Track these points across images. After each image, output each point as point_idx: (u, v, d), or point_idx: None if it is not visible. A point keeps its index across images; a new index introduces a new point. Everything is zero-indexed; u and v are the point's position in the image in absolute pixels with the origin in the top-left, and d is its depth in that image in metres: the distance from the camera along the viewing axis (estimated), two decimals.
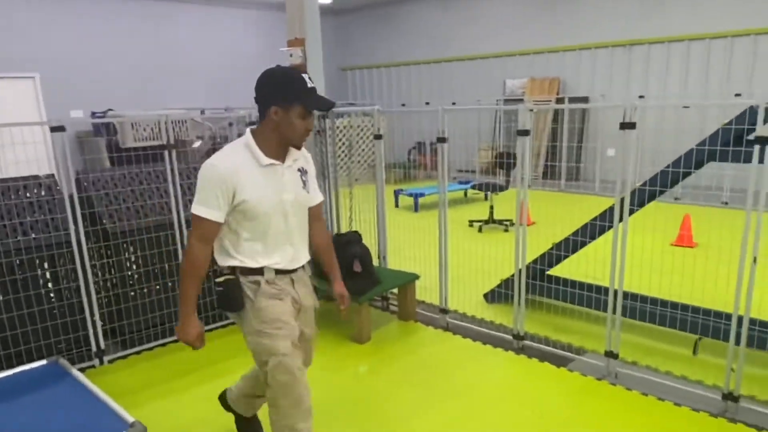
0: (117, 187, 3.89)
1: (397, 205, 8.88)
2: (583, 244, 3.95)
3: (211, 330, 4.24)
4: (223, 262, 2.24)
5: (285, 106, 2.07)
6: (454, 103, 11.49)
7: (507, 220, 7.26)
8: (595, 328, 3.95)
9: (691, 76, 8.95)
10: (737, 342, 2.92)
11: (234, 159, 2.11)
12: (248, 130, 2.17)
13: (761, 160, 2.59)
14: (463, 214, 7.97)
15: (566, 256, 4.13)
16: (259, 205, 2.13)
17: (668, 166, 3.41)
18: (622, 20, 9.57)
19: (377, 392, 3.35)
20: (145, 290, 3.95)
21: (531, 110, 10.30)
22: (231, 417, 2.84)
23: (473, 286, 4.83)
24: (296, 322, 2.30)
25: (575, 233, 3.99)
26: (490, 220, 7.26)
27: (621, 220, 3.25)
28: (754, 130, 2.69)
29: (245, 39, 12.51)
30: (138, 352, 3.92)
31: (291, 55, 4.28)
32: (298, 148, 2.22)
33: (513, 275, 3.85)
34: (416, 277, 4.30)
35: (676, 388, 3.19)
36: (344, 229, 5.04)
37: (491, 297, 4.60)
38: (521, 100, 10.72)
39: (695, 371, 3.38)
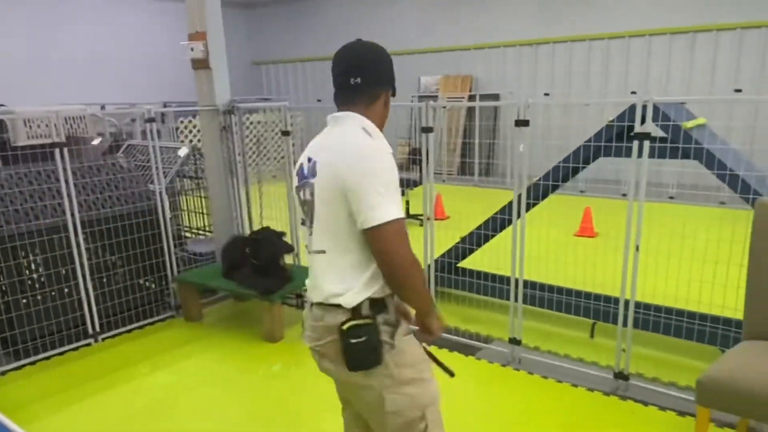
0: (4, 188, 3.63)
1: None
2: (491, 237, 4.09)
3: (107, 338, 4.06)
4: (355, 294, 1.59)
5: (392, 90, 1.79)
6: None
7: (422, 215, 7.37)
8: (501, 317, 4.10)
9: (593, 75, 9.47)
10: (625, 324, 3.12)
11: None
12: (358, 116, 1.67)
13: (640, 155, 2.79)
14: None
15: (474, 249, 4.26)
16: None
17: (561, 162, 3.59)
18: (529, 20, 9.97)
19: (290, 391, 3.33)
20: (39, 297, 3.71)
21: (444, 107, 10.48)
22: (134, 425, 2.72)
23: None
24: None
25: (480, 227, 4.12)
26: (407, 215, 7.36)
27: (519, 214, 3.38)
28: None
29: (149, 32, 11.99)
30: (33, 363, 3.68)
31: (192, 50, 4.13)
32: None
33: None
34: None
35: (573, 370, 3.38)
36: (256, 227, 4.96)
37: None
38: (436, 97, 10.94)
39: (591, 353, 3.59)
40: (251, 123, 10.03)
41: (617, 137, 3.28)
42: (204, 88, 4.36)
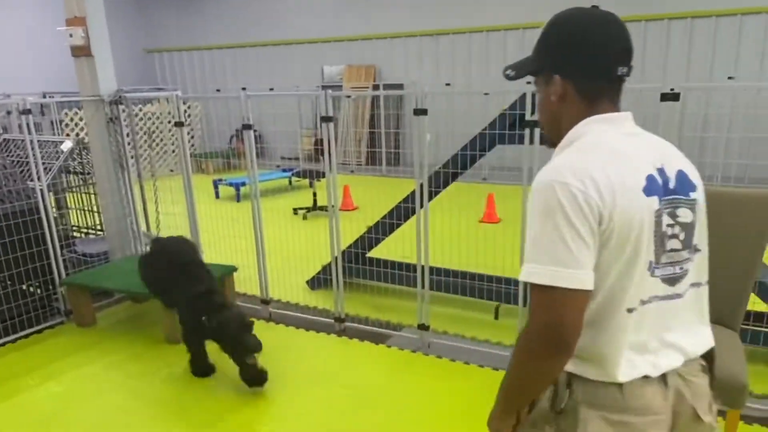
0: None
1: (217, 196, 8.52)
2: (397, 226, 4.12)
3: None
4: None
5: None
6: (271, 89, 11.30)
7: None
8: (410, 304, 4.15)
9: (492, 65, 9.78)
10: (524, 304, 3.26)
11: None
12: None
13: (531, 141, 2.91)
14: (288, 202, 7.90)
15: (382, 239, 4.28)
16: None
17: (459, 150, 3.67)
18: (429, 11, 10.13)
19: (193, 392, 3.19)
20: None
21: (349, 96, 10.44)
22: None
23: (298, 274, 4.80)
24: None
25: (385, 216, 4.14)
26: (314, 207, 7.28)
27: (422, 202, 3.43)
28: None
29: (30, 16, 11.01)
30: None
31: (71, 36, 3.82)
32: None
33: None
34: (233, 269, 4.15)
35: (480, 351, 3.49)
36: (154, 228, 4.70)
37: (314, 283, 4.61)
38: (340, 87, 10.88)
39: (496, 334, 3.72)
40: (144, 114, 9.49)
41: (511, 125, 3.39)
42: (86, 77, 4.05)
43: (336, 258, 3.78)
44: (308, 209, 7.28)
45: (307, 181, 8.89)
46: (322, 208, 7.29)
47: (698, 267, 1.26)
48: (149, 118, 9.76)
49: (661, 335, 1.21)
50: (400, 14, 10.39)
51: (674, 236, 1.19)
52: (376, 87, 10.64)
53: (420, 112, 3.20)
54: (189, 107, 10.86)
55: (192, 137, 11.08)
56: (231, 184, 8.29)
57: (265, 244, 4.09)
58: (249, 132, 3.81)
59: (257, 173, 3.95)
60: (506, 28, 9.51)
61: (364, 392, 3.14)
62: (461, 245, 4.80)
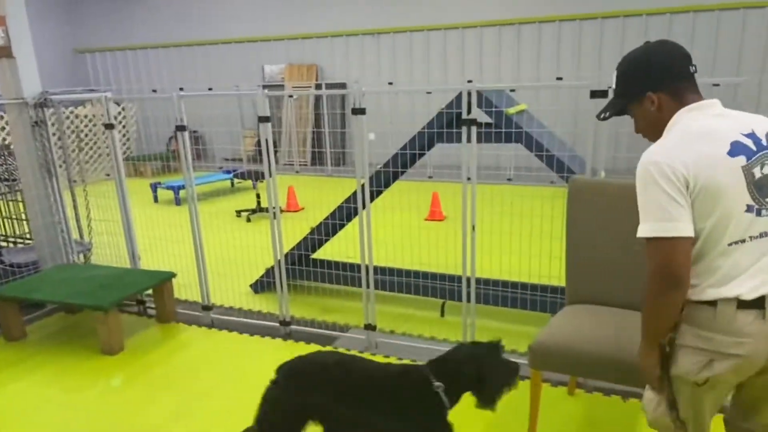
0: None
1: (156, 200, 8.25)
2: (341, 226, 4.10)
3: None
4: None
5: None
6: (210, 89, 11.04)
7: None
8: (357, 304, 4.14)
9: (433, 64, 9.89)
10: (469, 300, 3.30)
11: None
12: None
13: (468, 140, 2.95)
14: (231, 205, 7.74)
15: (327, 240, 4.25)
16: None
17: (399, 150, 3.68)
18: (370, 10, 10.13)
19: (133, 405, 3.07)
20: None
21: (291, 96, 10.32)
22: None
23: (242, 278, 4.70)
24: None
25: (328, 217, 4.11)
26: (258, 209, 7.16)
27: (364, 202, 3.41)
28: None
29: None
30: None
31: None
32: None
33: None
34: (172, 275, 4.02)
35: (427, 349, 3.50)
36: (87, 236, 4.51)
37: (258, 287, 4.54)
38: (282, 86, 10.75)
39: (443, 331, 3.75)
40: (76, 117, 9.09)
41: (449, 124, 3.43)
42: (7, 79, 3.83)
43: (279, 261, 3.73)
44: (252, 211, 7.15)
45: (250, 183, 8.75)
46: (266, 210, 7.17)
47: None
48: (81, 121, 9.35)
49: (761, 266, 1.46)
50: (341, 13, 10.35)
51: (751, 189, 1.47)
52: (318, 86, 10.56)
53: (358, 111, 3.19)
54: (123, 109, 10.48)
55: (128, 140, 10.71)
56: (169, 188, 8.04)
57: (205, 248, 3.99)
58: (184, 133, 3.70)
59: (196, 176, 3.85)
60: (446, 27, 9.63)
61: None
62: (407, 244, 4.82)
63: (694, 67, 1.60)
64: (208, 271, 4.06)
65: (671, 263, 1.43)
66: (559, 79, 8.81)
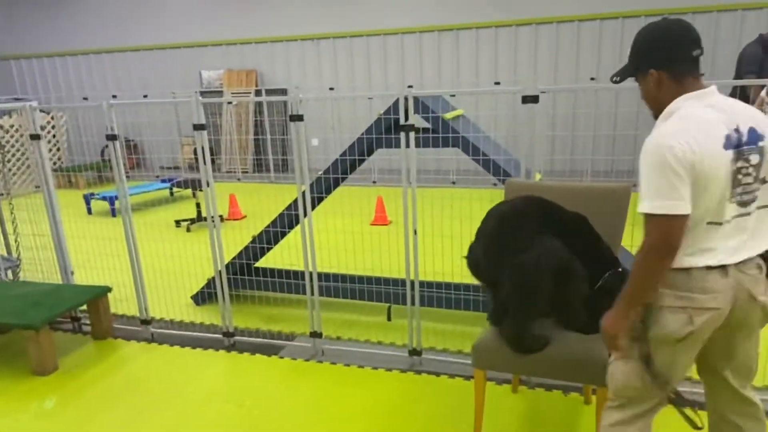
0: None
1: (90, 212, 7.92)
2: (284, 234, 4.05)
3: None
4: None
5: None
6: (145, 96, 10.71)
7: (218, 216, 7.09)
8: (303, 312, 4.10)
9: (373, 68, 9.93)
10: (413, 303, 3.33)
11: None
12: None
13: (408, 145, 2.98)
14: (170, 214, 7.52)
15: (270, 248, 4.19)
16: None
17: (339, 156, 3.68)
18: (310, 15, 10.08)
19: (68, 427, 2.93)
20: None
21: (230, 103, 10.07)
22: None
23: (183, 290, 4.58)
24: None
25: (269, 225, 4.06)
26: (198, 218, 6.99)
27: (306, 209, 3.39)
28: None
29: None
30: None
31: None
32: None
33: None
34: (107, 289, 3.88)
35: (373, 354, 3.52)
36: (14, 251, 4.29)
37: (200, 298, 4.43)
38: (220, 93, 10.55)
39: (389, 335, 3.77)
40: (0, 128, 8.63)
41: (387, 130, 3.45)
42: None
43: (219, 271, 3.65)
44: (192, 221, 6.98)
45: (190, 192, 8.53)
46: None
47: (764, 193, 1.74)
48: (7, 131, 8.89)
49: (729, 242, 1.71)
50: (280, 18, 10.26)
51: (748, 174, 1.69)
52: (258, 92, 10.42)
53: (296, 117, 3.17)
54: (53, 118, 10.03)
55: (58, 149, 10.24)
56: (104, 198, 7.74)
57: (143, 260, 3.87)
58: (115, 143, 3.58)
59: (133, 185, 3.72)
60: (386, 33, 9.70)
61: (258, 404, 3.06)
62: (351, 249, 4.82)
63: (700, 50, 1.73)
64: (145, 284, 3.94)
65: (671, 237, 1.63)
66: (497, 83, 9.04)
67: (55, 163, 10.21)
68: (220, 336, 3.79)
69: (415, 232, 3.19)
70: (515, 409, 2.92)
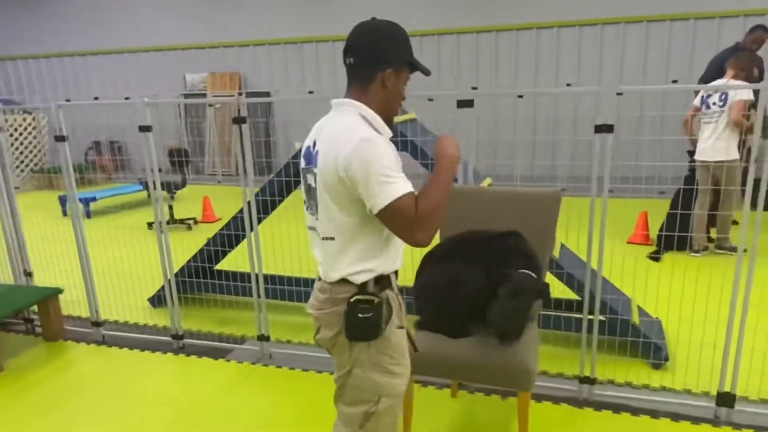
0: None
1: (65, 214, 7.92)
2: (238, 237, 4.05)
3: None
4: (366, 273, 1.68)
5: (398, 68, 1.67)
6: (127, 98, 10.72)
7: (190, 219, 7.10)
8: (253, 315, 4.11)
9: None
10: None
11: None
12: (354, 102, 1.65)
13: None
14: (144, 217, 7.52)
15: (228, 251, 4.19)
16: None
17: (291, 158, 3.70)
18: (291, 17, 10.10)
19: (7, 429, 2.93)
20: None
21: (212, 105, 10.03)
22: None
23: (142, 292, 4.58)
24: None
25: (223, 228, 4.07)
26: (171, 221, 6.99)
27: (250, 213, 3.40)
28: None
29: None
30: None
31: None
32: (391, 125, 1.75)
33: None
34: (58, 291, 3.88)
35: (317, 357, 3.52)
36: None
37: (156, 301, 4.42)
38: (204, 95, 10.57)
39: None
40: None
41: None
42: None
43: (168, 276, 3.65)
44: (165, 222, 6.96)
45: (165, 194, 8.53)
46: (181, 221, 7.03)
47: (324, 224, 1.68)
48: None
49: (325, 259, 1.73)
50: (263, 21, 10.28)
51: (307, 192, 1.72)
52: (241, 95, 10.43)
53: (239, 120, 3.18)
54: (34, 119, 10.05)
55: (39, 151, 10.25)
56: (80, 200, 7.72)
57: (107, 262, 3.88)
58: (64, 145, 3.59)
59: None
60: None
61: (193, 409, 3.05)
62: (301, 252, 4.82)
63: (349, 60, 1.66)
64: (96, 286, 3.93)
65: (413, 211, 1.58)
66: (474, 88, 9.06)
67: (36, 164, 10.22)
68: (169, 339, 3.79)
69: None
70: (450, 412, 2.93)
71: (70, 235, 3.86)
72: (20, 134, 9.91)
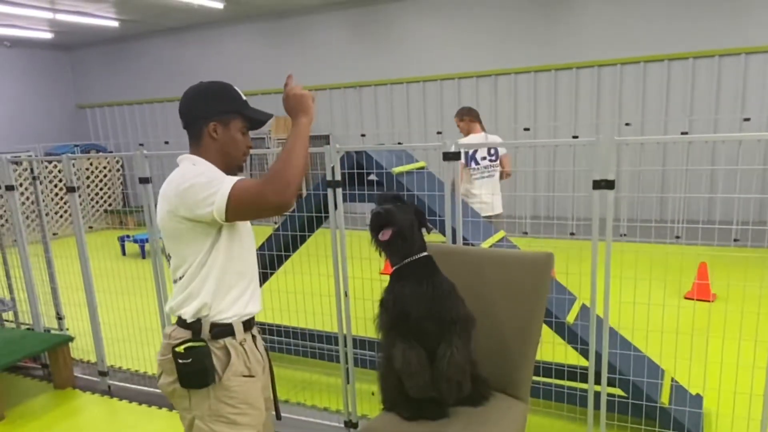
0: None
1: (124, 253, 8.23)
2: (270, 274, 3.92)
3: None
4: (189, 309, 1.73)
5: (224, 120, 1.81)
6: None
7: None
8: None
9: (413, 115, 9.82)
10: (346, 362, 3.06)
11: None
12: (188, 155, 1.80)
13: (335, 204, 2.80)
14: None
15: None
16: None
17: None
18: (350, 63, 10.23)
19: None
20: None
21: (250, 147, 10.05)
22: None
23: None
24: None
25: None
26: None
27: None
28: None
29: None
30: None
31: None
32: (241, 170, 1.89)
33: None
34: (68, 339, 3.90)
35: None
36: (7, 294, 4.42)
37: None
38: (268, 138, 10.83)
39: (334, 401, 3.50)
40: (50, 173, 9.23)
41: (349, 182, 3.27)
42: None
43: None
44: None
45: None
46: None
47: (174, 266, 1.75)
48: (55, 176, 9.44)
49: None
50: (325, 65, 10.47)
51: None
52: None
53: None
54: (108, 162, 10.71)
55: (113, 192, 10.89)
56: (135, 241, 8.03)
57: (127, 310, 3.85)
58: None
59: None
60: (425, 80, 9.63)
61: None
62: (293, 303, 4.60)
63: (182, 123, 1.81)
64: (102, 333, 3.89)
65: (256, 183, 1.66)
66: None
67: (110, 204, 10.84)
68: None
69: (346, 295, 2.96)
70: None
71: (126, 273, 3.83)
72: (96, 176, 10.55)
